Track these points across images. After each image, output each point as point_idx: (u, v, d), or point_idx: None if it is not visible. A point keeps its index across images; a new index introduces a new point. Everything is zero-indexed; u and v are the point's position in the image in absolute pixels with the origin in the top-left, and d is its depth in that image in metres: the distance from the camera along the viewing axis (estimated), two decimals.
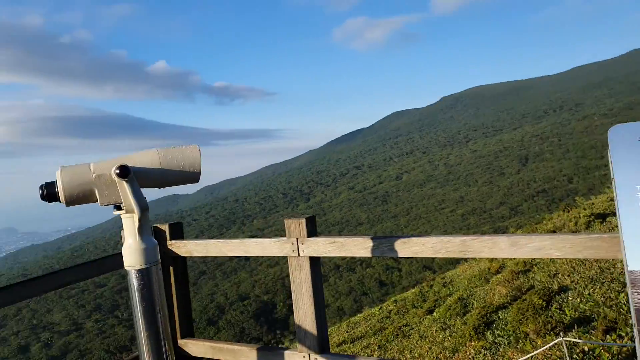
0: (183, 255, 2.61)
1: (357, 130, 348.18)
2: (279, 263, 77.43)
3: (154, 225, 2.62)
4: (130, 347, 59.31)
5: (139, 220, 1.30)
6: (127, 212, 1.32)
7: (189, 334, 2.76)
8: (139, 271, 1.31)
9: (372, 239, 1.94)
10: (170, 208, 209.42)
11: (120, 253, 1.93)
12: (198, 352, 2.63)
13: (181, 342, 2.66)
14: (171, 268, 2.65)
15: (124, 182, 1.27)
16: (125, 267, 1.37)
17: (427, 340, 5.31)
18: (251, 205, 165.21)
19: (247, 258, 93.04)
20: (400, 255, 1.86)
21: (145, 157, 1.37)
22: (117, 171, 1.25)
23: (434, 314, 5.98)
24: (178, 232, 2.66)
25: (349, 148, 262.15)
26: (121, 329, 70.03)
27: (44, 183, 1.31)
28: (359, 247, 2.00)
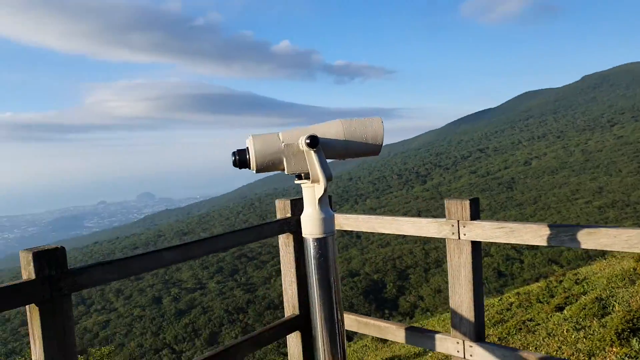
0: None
1: (483, 110, 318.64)
2: (390, 244, 78.83)
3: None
4: (246, 309, 71.01)
5: (323, 191, 1.31)
6: (312, 182, 1.33)
7: None
8: (317, 240, 1.33)
9: (549, 226, 1.78)
10: (289, 183, 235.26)
11: (277, 221, 2.31)
12: (346, 324, 2.66)
13: None
14: None
15: (312, 152, 1.29)
16: (304, 235, 1.39)
17: (557, 339, 4.96)
18: (364, 185, 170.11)
19: (358, 236, 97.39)
20: (583, 246, 1.67)
21: (330, 128, 1.39)
22: (307, 141, 1.26)
23: (565, 311, 5.52)
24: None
25: (472, 129, 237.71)
26: (239, 292, 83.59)
27: (235, 150, 1.36)
28: (533, 234, 1.83)
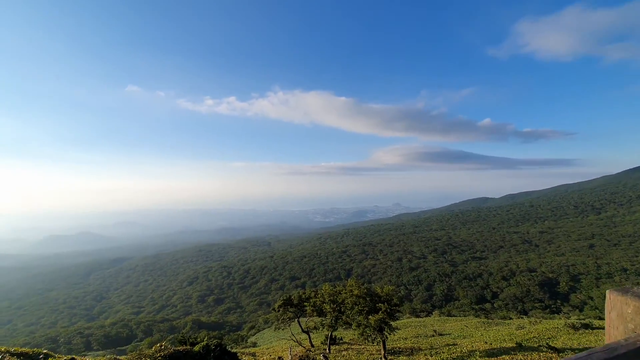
0: None
1: None
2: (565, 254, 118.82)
3: None
4: (438, 280, 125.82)
5: None
6: None
7: None
8: None
9: None
10: (481, 205, 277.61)
11: None
12: None
13: None
14: None
15: None
16: None
17: None
18: (543, 210, 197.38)
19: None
20: None
21: None
22: None
23: None
24: None
25: None
26: (446, 265, 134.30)
27: None
28: None
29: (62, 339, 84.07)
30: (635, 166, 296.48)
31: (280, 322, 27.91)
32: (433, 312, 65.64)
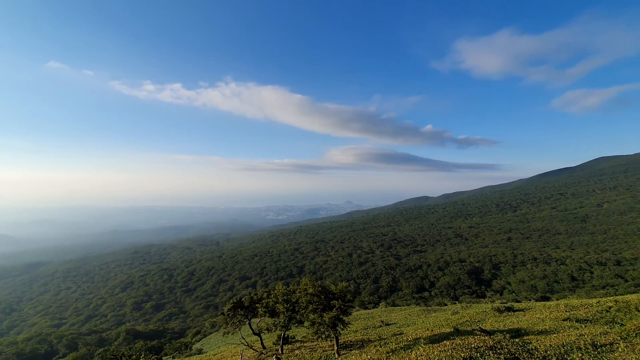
0: None
1: (564, 168, 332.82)
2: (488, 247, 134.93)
3: None
4: (395, 268, 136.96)
5: None
6: None
7: None
8: None
9: None
10: (422, 203, 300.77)
11: None
12: None
13: None
14: None
15: None
16: None
17: None
18: (472, 208, 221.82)
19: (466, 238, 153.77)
20: None
21: None
22: None
23: None
24: None
25: (554, 180, 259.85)
26: (391, 258, 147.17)
27: None
28: None
29: None
30: (545, 171, 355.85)
31: (229, 326, 26.49)
32: (380, 304, 69.17)
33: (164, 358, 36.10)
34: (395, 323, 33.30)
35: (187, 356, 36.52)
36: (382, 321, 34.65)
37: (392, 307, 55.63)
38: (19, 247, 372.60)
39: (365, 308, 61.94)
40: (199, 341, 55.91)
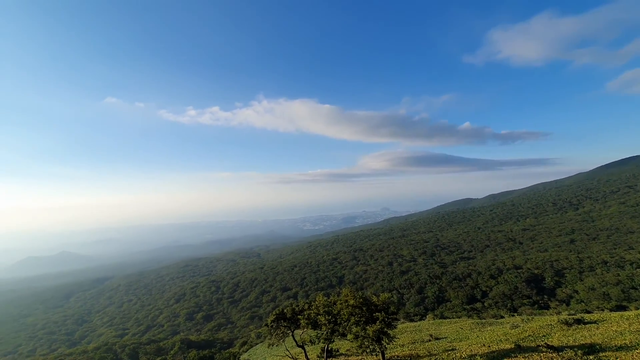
0: None
1: (631, 157, 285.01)
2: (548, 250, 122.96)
3: None
4: (441, 277, 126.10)
5: None
6: None
7: None
8: None
9: None
10: (465, 206, 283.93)
11: None
12: None
13: None
14: None
15: None
16: None
17: None
18: (524, 209, 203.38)
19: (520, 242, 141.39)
20: None
21: None
22: None
23: None
24: None
25: (620, 171, 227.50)
26: (435, 266, 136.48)
27: None
28: None
29: None
30: (607, 162, 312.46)
31: (273, 337, 26.70)
32: (427, 316, 65.39)
33: None
34: (445, 337, 31.10)
35: None
36: (430, 335, 32.58)
37: (440, 320, 52.27)
38: (86, 264, 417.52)
39: (411, 320, 58.93)
40: (246, 352, 57.22)
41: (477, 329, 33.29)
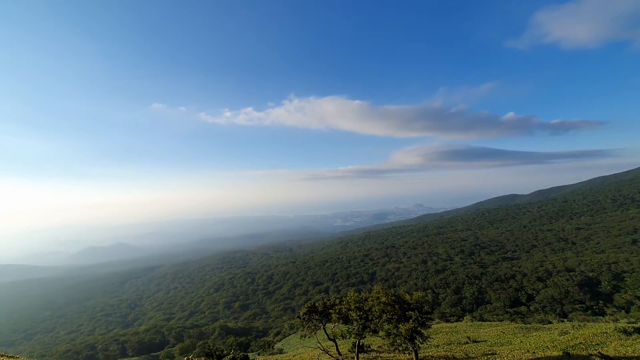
0: None
1: None
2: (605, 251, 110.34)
3: None
4: (480, 277, 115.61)
5: None
6: None
7: None
8: None
9: None
10: (509, 203, 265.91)
11: None
12: None
13: None
14: None
15: None
16: None
17: None
18: (579, 205, 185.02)
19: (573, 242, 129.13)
20: None
21: None
22: None
23: None
24: None
25: None
26: (475, 266, 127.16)
27: None
28: None
29: (99, 346, 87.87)
30: None
31: (305, 329, 27.37)
32: (464, 317, 62.59)
33: (250, 354, 39.31)
34: (485, 341, 29.61)
35: (269, 354, 39.04)
36: (468, 337, 31.21)
37: (479, 322, 49.79)
38: (138, 254, 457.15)
39: (447, 321, 56.85)
40: (279, 341, 59.24)
41: (521, 334, 31.23)
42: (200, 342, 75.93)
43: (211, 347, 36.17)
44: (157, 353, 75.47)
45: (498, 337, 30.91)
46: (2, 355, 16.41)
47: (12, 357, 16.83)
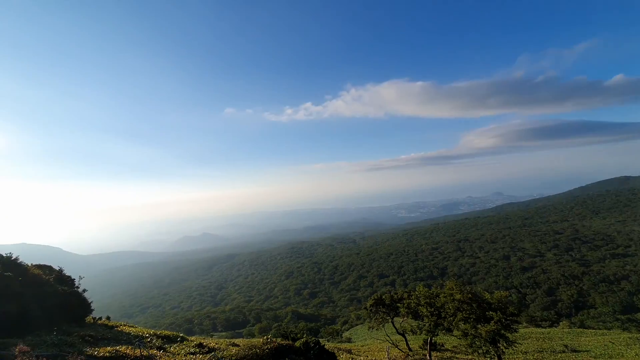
0: None
1: None
2: None
3: None
4: (581, 277, 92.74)
5: None
6: None
7: None
8: None
9: None
10: (620, 187, 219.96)
11: None
12: None
13: None
14: None
15: None
16: None
17: None
18: None
19: None
20: None
21: None
22: None
23: None
24: None
25: None
26: (573, 264, 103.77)
27: None
28: None
29: (196, 321, 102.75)
30: None
31: (373, 321, 27.14)
32: (559, 322, 54.11)
33: (320, 340, 41.08)
34: (587, 351, 25.04)
35: (338, 342, 40.05)
36: (565, 346, 26.81)
37: (580, 329, 42.43)
38: (222, 242, 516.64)
39: (537, 325, 49.95)
40: (347, 330, 60.31)
41: (636, 346, 25.45)
42: (276, 325, 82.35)
43: (286, 330, 38.82)
44: (240, 330, 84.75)
45: (605, 347, 25.78)
46: (124, 325, 20.35)
47: (132, 326, 20.77)
